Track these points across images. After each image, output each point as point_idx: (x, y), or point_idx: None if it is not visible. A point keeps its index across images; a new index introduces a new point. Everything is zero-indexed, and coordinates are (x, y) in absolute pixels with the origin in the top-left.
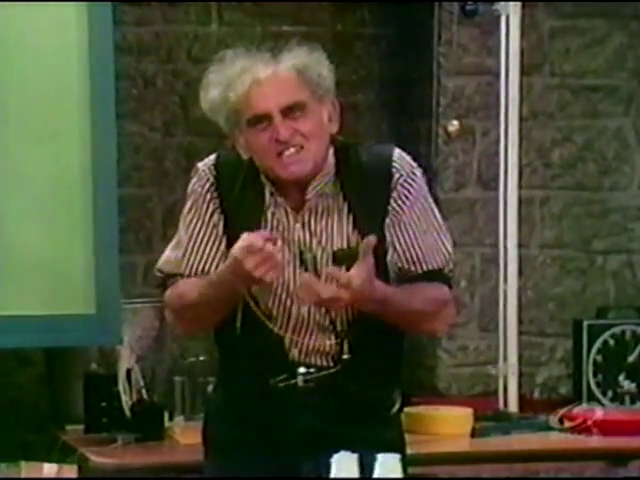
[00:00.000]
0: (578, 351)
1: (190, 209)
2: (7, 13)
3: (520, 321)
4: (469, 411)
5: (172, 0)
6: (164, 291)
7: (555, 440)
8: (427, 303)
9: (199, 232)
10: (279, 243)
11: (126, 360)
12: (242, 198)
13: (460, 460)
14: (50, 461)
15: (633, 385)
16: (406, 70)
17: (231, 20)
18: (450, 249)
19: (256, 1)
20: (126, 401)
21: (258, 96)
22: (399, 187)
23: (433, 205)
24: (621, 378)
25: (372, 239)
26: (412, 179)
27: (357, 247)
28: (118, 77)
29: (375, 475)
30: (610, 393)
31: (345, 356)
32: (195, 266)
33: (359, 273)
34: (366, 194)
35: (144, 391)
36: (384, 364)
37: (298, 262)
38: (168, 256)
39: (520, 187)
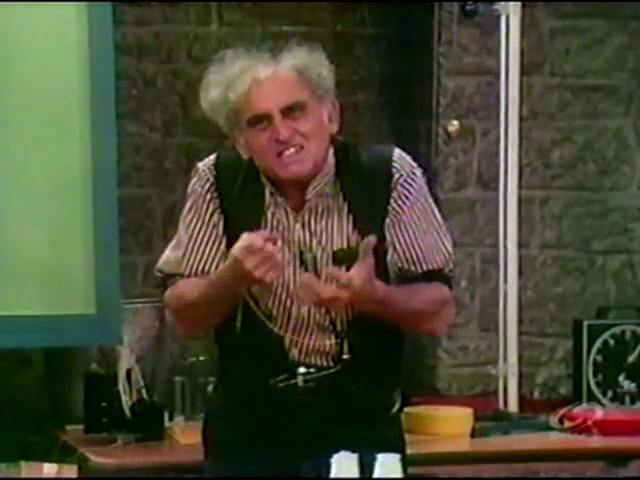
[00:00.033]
0: (578, 351)
1: (190, 209)
2: (7, 13)
3: (520, 321)
4: (469, 411)
5: (172, 0)
6: (164, 291)
7: (555, 440)
8: (427, 303)
9: (199, 232)
10: (279, 243)
11: (126, 360)
12: (242, 198)
13: (460, 460)
14: (50, 461)
15: (633, 385)
16: (406, 70)
17: (231, 20)
18: (450, 249)
19: (256, 1)
20: (126, 401)
21: (258, 96)
22: (399, 187)
23: (433, 205)
24: (621, 378)
25: (372, 239)
26: (412, 179)
27: (357, 247)
28: (118, 77)
29: (375, 475)
30: (610, 393)
31: (345, 356)
32: (195, 266)
33: (359, 273)
34: (366, 194)
35: (144, 391)
36: (384, 364)
37: (298, 262)
38: (168, 256)
39: (520, 187)
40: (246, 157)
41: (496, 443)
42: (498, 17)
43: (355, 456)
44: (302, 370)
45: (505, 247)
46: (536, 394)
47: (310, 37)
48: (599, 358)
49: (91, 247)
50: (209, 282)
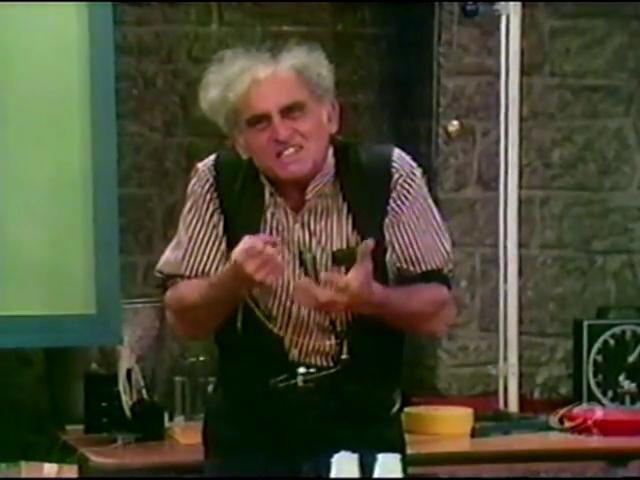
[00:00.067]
0: (578, 351)
1: (190, 209)
2: (7, 13)
3: (520, 321)
4: (469, 411)
5: (172, 0)
6: (164, 292)
7: (555, 440)
8: (425, 304)
9: (199, 233)
10: (279, 246)
11: (126, 360)
12: (242, 198)
13: (460, 460)
14: (50, 461)
15: (633, 385)
16: (406, 70)
17: (231, 20)
18: (449, 249)
19: (256, 1)
20: (126, 401)
21: (257, 96)
22: (398, 187)
23: (432, 205)
24: (621, 378)
25: (370, 243)
26: (411, 179)
27: (356, 247)
28: (118, 77)
29: (375, 475)
30: (610, 393)
31: (344, 356)
32: (195, 267)
33: (357, 276)
34: (366, 194)
35: (144, 391)
36: (384, 364)
37: (298, 262)
38: (168, 257)
39: (520, 187)
40: (246, 157)
41: (496, 443)
42: (498, 17)
43: (355, 456)
44: (302, 370)
45: (505, 247)
46: (536, 394)
47: (310, 37)
48: (599, 358)
49: (91, 247)
50: (210, 284)
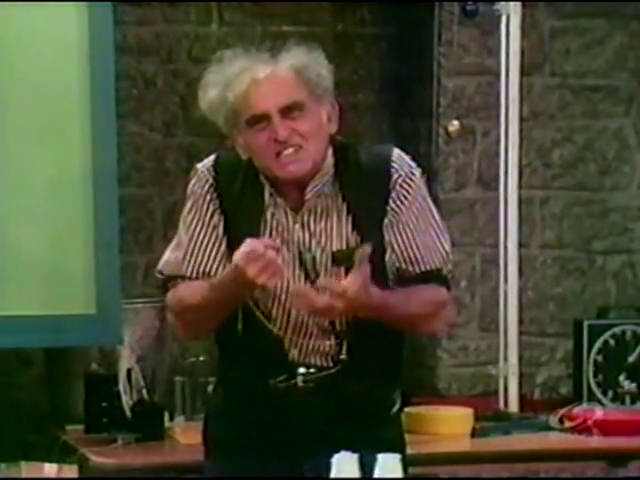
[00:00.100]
0: (578, 351)
1: (190, 210)
2: (7, 13)
3: (521, 321)
4: (469, 411)
5: (172, 0)
6: (165, 293)
7: (555, 440)
8: (424, 306)
9: (199, 233)
10: (279, 248)
11: (126, 360)
12: (242, 199)
13: (460, 460)
14: (50, 461)
15: (633, 385)
16: (406, 70)
17: (231, 20)
18: (448, 249)
19: (256, 1)
20: (126, 401)
21: (256, 96)
22: (398, 187)
23: (432, 205)
24: (621, 378)
25: (368, 249)
26: (411, 179)
27: (356, 248)
28: (118, 77)
29: (375, 475)
30: (610, 393)
31: (344, 356)
32: (196, 267)
33: (355, 282)
34: (365, 194)
35: (144, 391)
36: (384, 364)
37: (298, 263)
38: (168, 258)
39: (520, 187)
40: (245, 157)
41: (496, 443)
42: (498, 17)
43: (355, 456)
44: (302, 370)
45: (505, 247)
46: (536, 394)
47: (310, 37)
48: (599, 358)
49: (91, 247)
50: (211, 287)
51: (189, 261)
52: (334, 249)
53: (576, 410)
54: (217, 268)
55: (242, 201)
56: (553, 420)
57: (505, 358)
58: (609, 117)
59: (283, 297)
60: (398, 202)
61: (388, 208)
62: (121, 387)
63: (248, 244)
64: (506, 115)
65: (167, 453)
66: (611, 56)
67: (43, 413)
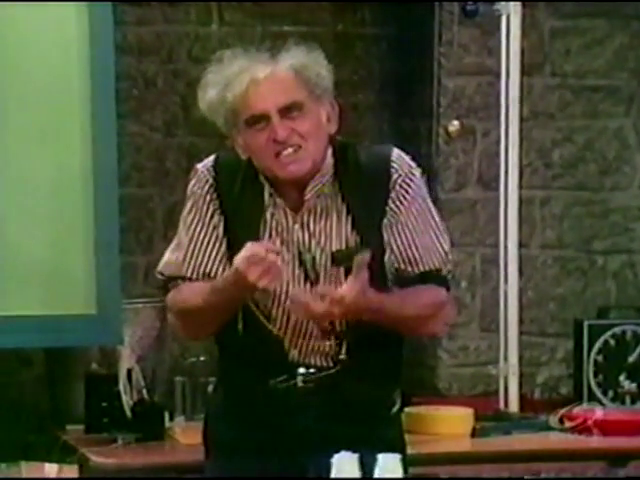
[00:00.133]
0: (579, 351)
1: (190, 210)
2: (7, 13)
3: (521, 321)
4: (470, 411)
5: (172, 0)
6: (165, 294)
7: (555, 440)
8: (422, 308)
9: (199, 234)
10: (279, 250)
11: (127, 360)
12: (241, 199)
13: (461, 460)
14: (51, 461)
15: (634, 385)
16: (406, 70)
17: (232, 20)
18: (448, 250)
19: (256, 1)
20: (127, 401)
21: (256, 96)
22: (397, 187)
23: (431, 205)
24: (622, 378)
25: (366, 256)
26: (410, 179)
27: (356, 247)
28: (119, 77)
29: (375, 475)
30: (611, 393)
31: (343, 356)
32: (196, 268)
33: (353, 288)
34: (365, 194)
35: (145, 391)
36: (384, 364)
37: (297, 263)
38: (168, 258)
39: (521, 187)
40: (245, 157)
41: (497, 443)
42: (499, 17)
43: (355, 456)
44: (302, 371)
45: (506, 247)
46: (537, 394)
47: (310, 37)
48: (600, 358)
49: (91, 247)
50: (211, 289)
51: (189, 262)
52: (334, 249)
53: (576, 410)
54: (217, 269)
55: (242, 201)
56: (553, 420)
57: (505, 358)
58: (609, 117)
59: (283, 298)
60: (398, 202)
61: (388, 208)
62: (121, 387)
63: (249, 248)
64: (506, 115)
65: (167, 453)
66: (611, 56)
67: (43, 413)
